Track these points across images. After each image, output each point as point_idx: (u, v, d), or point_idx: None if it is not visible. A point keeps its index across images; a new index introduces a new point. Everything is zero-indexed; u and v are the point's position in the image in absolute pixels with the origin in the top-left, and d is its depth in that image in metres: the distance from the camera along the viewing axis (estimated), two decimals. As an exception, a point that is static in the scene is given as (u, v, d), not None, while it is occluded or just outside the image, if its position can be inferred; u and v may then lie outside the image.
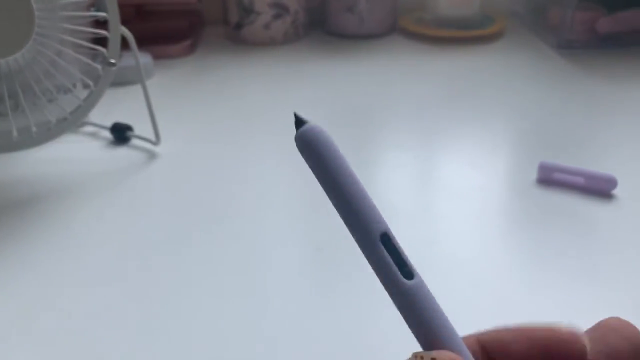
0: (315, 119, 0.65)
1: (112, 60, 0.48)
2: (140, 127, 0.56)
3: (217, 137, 0.58)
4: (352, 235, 0.19)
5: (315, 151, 0.19)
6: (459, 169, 0.51)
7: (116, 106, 0.62)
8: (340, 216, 0.19)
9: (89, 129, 0.59)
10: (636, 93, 0.64)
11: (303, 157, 0.20)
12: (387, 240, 0.19)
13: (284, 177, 0.51)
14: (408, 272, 0.19)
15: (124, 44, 0.50)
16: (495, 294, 0.37)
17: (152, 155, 0.54)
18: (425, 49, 0.79)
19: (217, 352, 0.33)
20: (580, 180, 0.47)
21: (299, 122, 0.20)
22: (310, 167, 0.19)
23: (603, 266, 0.39)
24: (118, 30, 0.48)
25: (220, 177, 0.50)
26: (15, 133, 0.46)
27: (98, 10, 0.47)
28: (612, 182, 0.45)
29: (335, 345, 0.33)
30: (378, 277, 0.19)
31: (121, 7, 0.48)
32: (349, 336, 0.34)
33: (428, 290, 0.19)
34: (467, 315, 0.35)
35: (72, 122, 0.49)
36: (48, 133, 0.48)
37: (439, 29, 0.82)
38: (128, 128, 0.56)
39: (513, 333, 0.20)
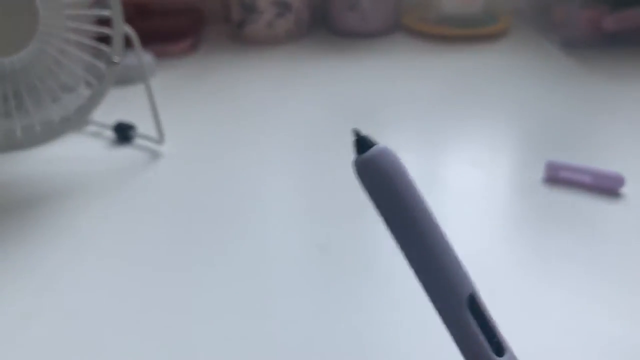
0: (317, 117, 0.65)
1: (116, 59, 0.48)
2: (144, 126, 0.56)
3: (220, 136, 0.57)
4: (429, 297, 0.15)
5: (387, 186, 0.14)
6: (463, 169, 0.50)
7: (119, 105, 0.62)
8: (413, 269, 0.14)
9: (92, 128, 0.59)
10: (642, 91, 0.63)
11: (365, 187, 0.15)
12: (474, 304, 0.15)
13: (288, 176, 0.50)
14: (497, 345, 0.15)
15: (127, 42, 0.50)
16: (501, 295, 0.37)
17: (155, 155, 0.54)
18: (429, 47, 0.79)
19: (219, 352, 0.33)
20: (587, 178, 0.46)
21: (363, 143, 0.14)
22: (376, 203, 0.14)
23: (611, 266, 0.38)
24: (121, 28, 0.48)
25: (224, 176, 0.50)
26: (18, 132, 0.46)
27: (101, 8, 0.47)
28: (619, 181, 0.45)
29: (340, 346, 0.33)
30: (460, 349, 0.15)
31: (123, 5, 0.48)
32: (353, 336, 0.33)
33: None
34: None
35: (76, 121, 0.49)
36: (51, 132, 0.48)
37: (442, 27, 0.82)
38: (131, 127, 0.56)
39: None
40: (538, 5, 0.84)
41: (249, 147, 0.55)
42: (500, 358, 0.14)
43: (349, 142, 0.55)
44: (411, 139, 0.56)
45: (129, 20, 0.50)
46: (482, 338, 0.14)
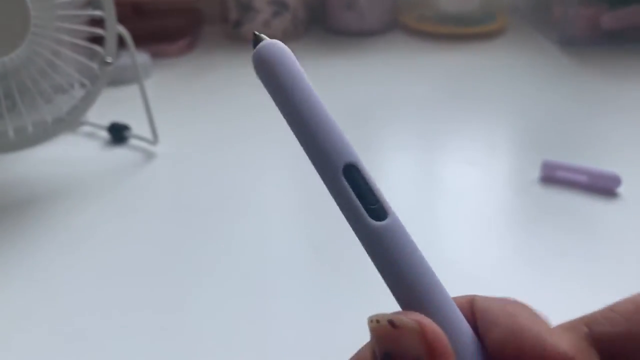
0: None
1: (109, 60, 0.47)
2: (138, 126, 0.56)
3: (215, 137, 0.57)
4: (315, 169, 0.16)
5: (272, 71, 0.16)
6: (460, 168, 0.50)
7: (114, 106, 0.62)
8: (302, 147, 0.16)
9: (86, 128, 0.59)
10: (640, 89, 0.63)
11: (259, 78, 0.17)
12: (354, 172, 0.16)
13: (283, 175, 0.50)
14: (379, 210, 0.16)
15: (122, 43, 0.50)
16: (496, 294, 0.36)
17: (149, 155, 0.54)
18: (426, 46, 0.78)
19: (214, 351, 0.33)
20: (583, 178, 0.46)
21: (258, 41, 0.17)
22: (267, 89, 0.17)
23: (607, 266, 0.38)
24: (114, 29, 0.47)
25: (219, 176, 0.50)
26: (11, 133, 0.46)
27: (94, 9, 0.46)
28: (616, 180, 0.45)
29: (337, 346, 0.33)
30: (343, 214, 0.16)
31: (119, 5, 0.48)
32: (351, 336, 0.33)
33: (405, 234, 0.16)
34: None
35: (69, 122, 0.48)
36: (45, 133, 0.47)
37: (440, 26, 0.81)
38: (126, 128, 0.56)
39: (504, 319, 0.16)
40: (536, 3, 0.84)
41: (244, 147, 0.55)
42: (379, 222, 0.15)
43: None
44: (408, 137, 0.56)
45: (126, 20, 0.49)
46: (357, 203, 0.15)
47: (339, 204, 0.16)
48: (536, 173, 0.48)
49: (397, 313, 0.15)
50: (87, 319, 0.36)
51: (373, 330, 0.15)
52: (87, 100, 0.49)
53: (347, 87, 0.67)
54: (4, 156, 0.53)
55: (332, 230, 0.42)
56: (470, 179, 0.48)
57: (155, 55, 0.74)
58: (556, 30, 0.76)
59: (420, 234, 0.42)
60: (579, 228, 0.42)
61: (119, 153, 0.55)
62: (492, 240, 0.41)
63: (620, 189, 0.45)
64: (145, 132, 0.54)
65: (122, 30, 0.49)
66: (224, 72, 0.73)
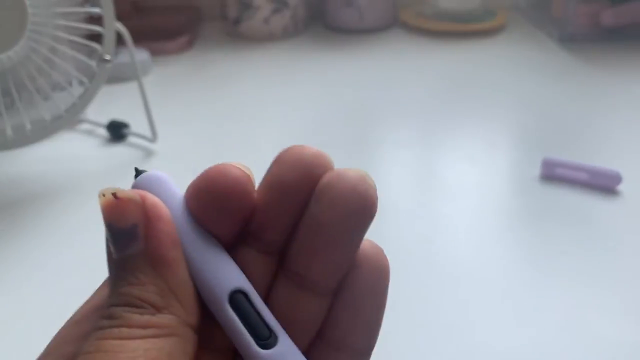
0: (314, 114, 0.64)
1: (107, 57, 0.47)
2: (137, 124, 0.55)
3: (215, 134, 0.57)
4: (203, 298, 0.16)
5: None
6: (460, 165, 0.50)
7: (113, 103, 0.61)
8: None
9: (85, 126, 0.58)
10: (640, 86, 0.63)
11: None
12: (241, 299, 0.15)
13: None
14: (268, 337, 0.15)
15: (121, 40, 0.49)
16: (496, 293, 0.36)
17: (148, 153, 0.54)
18: (426, 43, 0.78)
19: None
20: (584, 176, 0.46)
21: (138, 174, 0.18)
22: None
23: (607, 263, 0.38)
24: (113, 26, 0.47)
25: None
26: (9, 131, 0.45)
27: (92, 6, 0.46)
28: (616, 178, 0.45)
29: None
30: (235, 345, 0.16)
31: (118, 2, 0.47)
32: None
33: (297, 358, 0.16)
34: (467, 314, 0.35)
35: (67, 119, 0.48)
36: (43, 131, 0.47)
37: (440, 23, 0.81)
38: (124, 125, 0.56)
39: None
40: (536, 0, 0.84)
41: (243, 144, 0.54)
42: (266, 350, 0.15)
43: (346, 139, 0.55)
44: (408, 135, 0.56)
45: (124, 17, 0.49)
46: (244, 331, 0.15)
47: (226, 331, 0.16)
48: (536, 170, 0.47)
49: (123, 190, 0.16)
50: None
51: (100, 204, 0.16)
52: (86, 98, 0.48)
53: (347, 84, 0.67)
54: (2, 154, 0.53)
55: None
56: (470, 176, 0.48)
57: (155, 52, 0.74)
58: (556, 27, 0.75)
59: (419, 232, 0.42)
60: (579, 226, 0.41)
61: (118, 151, 0.54)
62: (492, 238, 0.41)
63: (621, 187, 0.45)
64: (144, 130, 0.54)
65: (120, 27, 0.48)
66: (223, 69, 0.72)
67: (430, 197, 0.46)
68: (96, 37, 0.47)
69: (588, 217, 0.42)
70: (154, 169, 0.18)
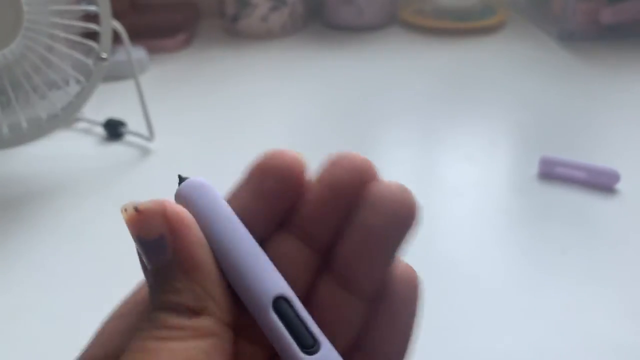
0: (313, 112, 0.64)
1: (104, 55, 0.47)
2: (134, 122, 0.55)
3: (212, 132, 0.57)
4: (245, 304, 0.16)
5: (191, 208, 0.17)
6: (458, 164, 0.50)
7: (110, 101, 0.61)
8: (230, 282, 0.16)
9: (82, 124, 0.58)
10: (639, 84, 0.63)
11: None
12: (284, 305, 0.16)
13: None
14: (311, 343, 0.16)
15: (118, 38, 0.49)
16: (494, 292, 0.36)
17: (145, 151, 0.53)
18: (425, 40, 0.78)
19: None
20: (582, 174, 0.46)
21: (181, 181, 0.18)
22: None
23: (606, 262, 0.38)
24: (109, 24, 0.47)
25: (215, 172, 0.49)
26: (6, 130, 0.45)
27: (89, 4, 0.46)
28: (615, 177, 0.44)
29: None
30: (277, 351, 0.16)
31: (115, 0, 0.47)
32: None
33: None
34: (466, 314, 0.35)
35: (64, 118, 0.48)
36: (39, 130, 0.47)
37: (439, 21, 0.81)
38: (121, 124, 0.55)
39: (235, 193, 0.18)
40: (535, -2, 0.83)
41: (241, 143, 0.54)
42: (310, 356, 0.15)
43: (345, 137, 0.54)
44: (406, 133, 0.56)
45: (122, 15, 0.49)
46: (288, 337, 0.16)
47: (270, 338, 0.16)
48: (534, 169, 0.47)
49: (144, 203, 0.16)
50: (82, 316, 0.35)
51: (124, 220, 0.16)
52: (82, 96, 0.48)
53: (345, 82, 0.66)
54: (-2, 153, 0.53)
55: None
56: (468, 175, 0.48)
57: (152, 50, 0.74)
58: (555, 25, 0.75)
59: (418, 229, 0.42)
60: (577, 224, 0.41)
61: (115, 149, 0.54)
62: (490, 237, 0.41)
63: (619, 185, 0.45)
64: (141, 128, 0.54)
65: (117, 25, 0.48)
66: (221, 67, 0.72)
67: (429, 195, 0.46)
68: (93, 35, 0.47)
69: (586, 215, 0.42)
70: (196, 176, 0.18)
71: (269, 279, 0.16)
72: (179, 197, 0.17)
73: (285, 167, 0.17)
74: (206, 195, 0.17)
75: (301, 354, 0.15)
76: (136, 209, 0.16)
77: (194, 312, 0.15)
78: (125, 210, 0.16)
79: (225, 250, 0.16)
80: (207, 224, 0.16)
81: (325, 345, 0.16)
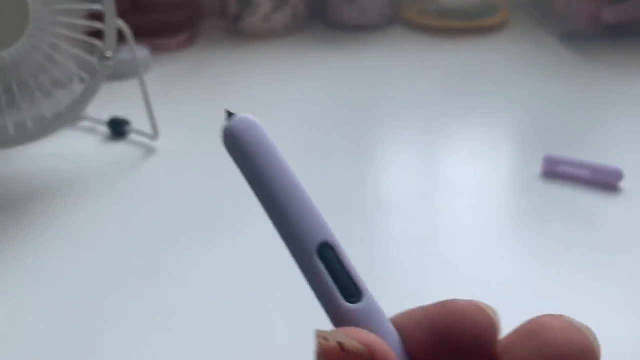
0: (315, 112, 0.64)
1: (108, 54, 0.47)
2: (139, 121, 0.55)
3: (216, 132, 0.56)
4: (287, 247, 0.16)
5: (241, 147, 0.16)
6: (461, 163, 0.50)
7: (114, 101, 0.61)
8: (272, 222, 0.16)
9: (86, 124, 0.58)
10: (642, 84, 0.63)
11: (229, 154, 0.17)
12: (329, 252, 0.15)
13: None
14: (355, 292, 0.15)
15: (122, 37, 0.49)
16: (498, 291, 0.36)
17: (150, 150, 0.53)
18: (427, 40, 0.78)
19: (211, 350, 0.32)
20: (585, 173, 0.46)
21: (229, 116, 0.17)
22: (237, 165, 0.16)
23: (610, 261, 0.38)
24: (114, 23, 0.47)
25: (219, 172, 0.50)
26: (11, 129, 0.45)
27: (94, 2, 0.46)
28: (618, 175, 0.45)
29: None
30: (316, 296, 0.15)
31: (118, 0, 0.47)
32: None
33: (379, 315, 0.15)
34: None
35: (68, 117, 0.48)
36: (44, 128, 0.47)
37: (441, 20, 0.81)
38: (126, 123, 0.56)
39: (406, 319, 0.16)
40: (537, -3, 0.84)
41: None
42: (353, 305, 0.15)
43: (348, 136, 0.54)
44: (409, 132, 0.56)
45: (125, 14, 0.49)
46: (331, 284, 0.15)
47: (311, 285, 0.15)
48: (538, 168, 0.47)
49: (349, 333, 0.14)
50: (85, 315, 0.35)
51: (320, 347, 0.14)
52: (87, 95, 0.48)
53: (348, 81, 0.67)
54: (3, 152, 0.53)
55: (335, 227, 0.42)
56: (472, 174, 0.48)
57: (155, 49, 0.74)
58: (558, 25, 0.75)
59: (420, 230, 0.42)
60: (580, 223, 0.41)
61: (119, 148, 0.54)
62: (493, 235, 0.41)
63: (623, 184, 0.45)
64: (146, 127, 0.54)
65: (121, 24, 0.48)
66: (223, 66, 0.72)
67: (432, 195, 0.46)
68: (97, 34, 0.47)
69: (589, 214, 0.42)
70: (245, 114, 0.16)
71: (315, 225, 0.15)
72: (228, 135, 0.16)
73: (470, 336, 0.15)
74: (256, 134, 0.16)
75: (344, 302, 0.15)
76: (341, 346, 0.14)
77: None
78: (324, 339, 0.14)
79: (273, 193, 0.15)
80: (256, 164, 0.16)
81: (368, 295, 0.15)
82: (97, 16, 0.47)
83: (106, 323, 0.35)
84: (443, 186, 0.47)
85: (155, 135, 0.54)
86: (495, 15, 0.82)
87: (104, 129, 0.57)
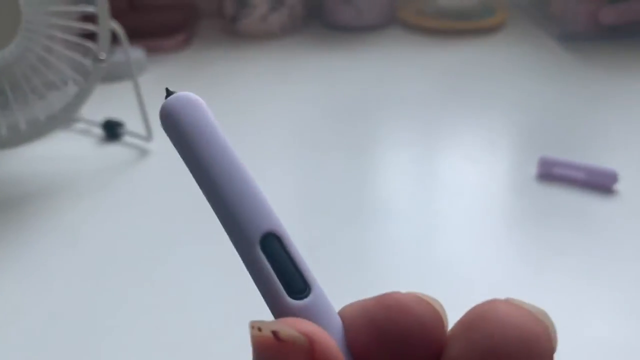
0: (312, 113, 0.64)
1: (102, 56, 0.47)
2: (133, 123, 0.55)
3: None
4: (229, 238, 0.14)
5: (176, 126, 0.14)
6: (457, 165, 0.50)
7: (108, 102, 0.61)
8: (215, 214, 0.14)
9: (80, 125, 0.58)
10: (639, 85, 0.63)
11: (166, 134, 0.15)
12: (274, 242, 0.14)
13: (280, 171, 0.50)
14: (304, 287, 0.14)
15: (116, 38, 0.49)
16: (493, 293, 0.36)
17: (143, 152, 0.53)
18: (425, 41, 0.78)
19: (209, 348, 0.32)
20: (581, 175, 0.45)
21: (169, 94, 0.15)
22: (175, 146, 0.15)
23: (604, 263, 0.38)
24: (107, 25, 0.47)
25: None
26: (4, 131, 0.45)
27: (87, 4, 0.46)
28: (613, 177, 0.44)
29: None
30: (259, 291, 0.14)
31: (114, 0, 0.47)
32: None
33: (327, 310, 0.14)
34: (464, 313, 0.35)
35: (62, 119, 0.48)
36: (38, 130, 0.47)
37: (438, 21, 0.81)
38: (120, 124, 0.55)
39: (349, 312, 0.15)
40: (535, -2, 0.83)
41: (241, 143, 0.54)
42: (298, 302, 0.13)
43: (345, 137, 0.54)
44: (405, 133, 0.55)
45: (121, 15, 0.49)
46: (275, 279, 0.13)
47: (254, 279, 0.14)
48: (533, 170, 0.47)
49: (287, 322, 0.13)
50: (80, 316, 0.35)
51: (253, 338, 0.13)
52: (81, 97, 0.48)
53: (345, 82, 0.66)
54: (-3, 153, 0.53)
55: (332, 229, 0.42)
56: (468, 175, 0.48)
57: (151, 50, 0.74)
58: (556, 25, 0.75)
59: (416, 232, 0.42)
60: (576, 225, 0.41)
61: (113, 150, 0.54)
62: (489, 237, 0.41)
63: (618, 186, 0.44)
64: (140, 129, 0.54)
65: (115, 26, 0.48)
66: (220, 67, 0.72)
67: (427, 196, 0.46)
68: (91, 36, 0.47)
69: (585, 216, 0.42)
70: (185, 91, 0.15)
71: (260, 212, 0.14)
72: (163, 114, 0.15)
73: (409, 331, 0.14)
74: (195, 112, 0.14)
75: (287, 299, 0.13)
76: (275, 334, 0.12)
77: None
78: (259, 329, 0.13)
79: (212, 177, 0.14)
80: (193, 146, 0.14)
81: (316, 289, 0.14)
82: (90, 18, 0.46)
83: (100, 324, 0.35)
84: (439, 187, 0.47)
85: (149, 136, 0.53)
86: (493, 16, 0.82)
87: (98, 131, 0.57)
